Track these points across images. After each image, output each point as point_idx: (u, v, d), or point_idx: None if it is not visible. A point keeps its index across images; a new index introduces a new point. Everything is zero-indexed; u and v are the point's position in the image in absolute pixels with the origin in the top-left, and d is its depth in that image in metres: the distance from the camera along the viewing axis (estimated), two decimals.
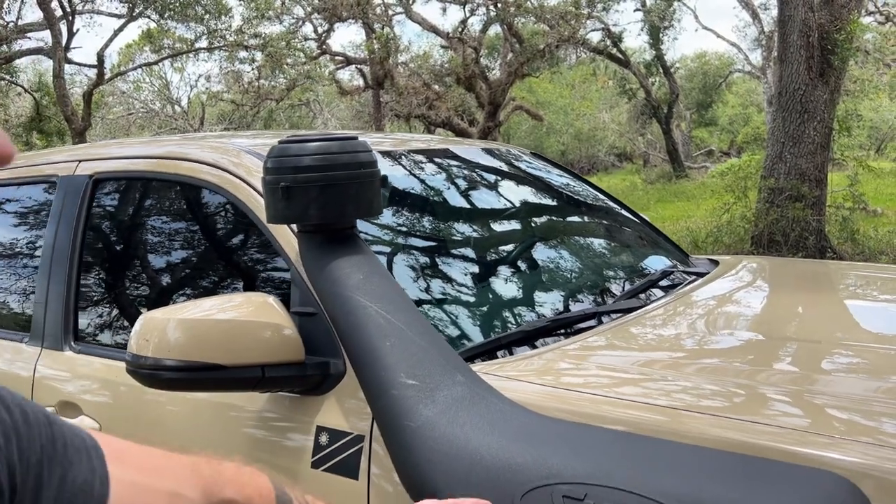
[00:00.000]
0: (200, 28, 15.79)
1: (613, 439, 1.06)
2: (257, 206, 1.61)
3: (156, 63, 18.96)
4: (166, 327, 1.33)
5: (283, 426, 1.44)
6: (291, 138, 1.40)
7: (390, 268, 1.65)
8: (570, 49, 20.13)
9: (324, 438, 1.36)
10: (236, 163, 1.75)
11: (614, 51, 19.49)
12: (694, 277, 2.06)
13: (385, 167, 1.99)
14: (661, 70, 20.54)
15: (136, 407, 1.66)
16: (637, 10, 19.27)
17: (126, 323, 1.85)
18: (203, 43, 16.16)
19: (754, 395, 1.25)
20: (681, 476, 0.96)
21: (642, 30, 19.35)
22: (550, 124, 28.96)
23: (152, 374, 1.32)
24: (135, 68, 19.53)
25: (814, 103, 7.46)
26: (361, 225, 1.69)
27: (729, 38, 56.96)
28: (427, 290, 1.68)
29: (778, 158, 7.65)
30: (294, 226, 1.47)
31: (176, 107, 25.26)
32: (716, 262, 2.31)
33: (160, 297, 1.80)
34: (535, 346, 1.52)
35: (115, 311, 1.89)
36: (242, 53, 16.85)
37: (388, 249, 1.73)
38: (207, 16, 15.31)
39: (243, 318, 1.36)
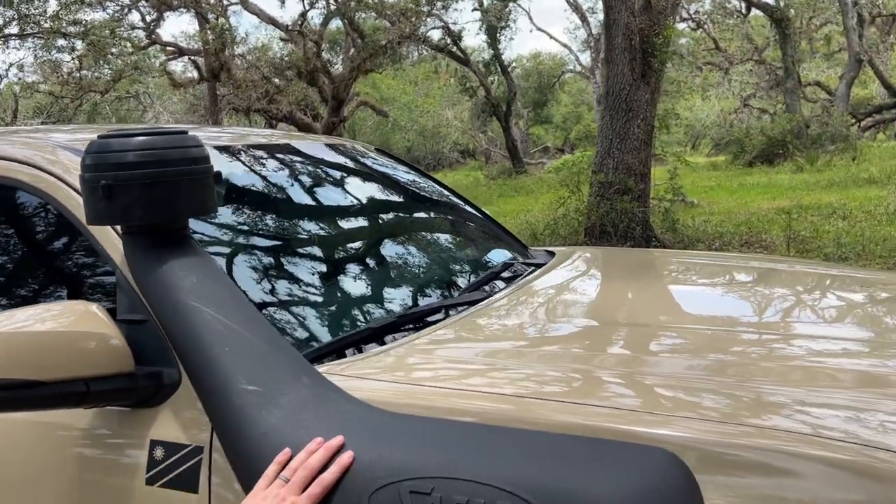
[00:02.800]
0: (10, 12, 14.38)
1: (458, 431, 1.07)
2: (76, 206, 1.49)
3: None
4: None
5: (114, 443, 1.34)
6: (113, 132, 1.30)
7: (231, 270, 1.57)
8: (411, 46, 20.30)
9: (159, 453, 1.28)
10: (52, 160, 1.60)
11: (454, 49, 19.90)
12: (533, 268, 2.14)
13: (223, 163, 1.90)
14: (499, 69, 21.22)
15: None
16: (475, 9, 19.79)
17: None
18: (14, 29, 14.73)
19: (591, 379, 1.31)
20: (522, 462, 0.99)
21: (480, 29, 19.89)
22: (395, 121, 29.16)
23: None
24: None
25: (637, 102, 8.00)
26: (199, 226, 1.61)
27: (561, 40, 59.84)
28: (271, 291, 1.62)
29: (606, 154, 8.14)
30: (119, 227, 1.37)
31: None
32: (553, 254, 2.41)
33: None
34: (382, 343, 1.51)
35: None
36: (60, 41, 15.54)
37: (227, 250, 1.66)
38: None
39: (63, 328, 1.24)
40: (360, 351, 1.48)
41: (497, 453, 1.01)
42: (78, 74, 17.70)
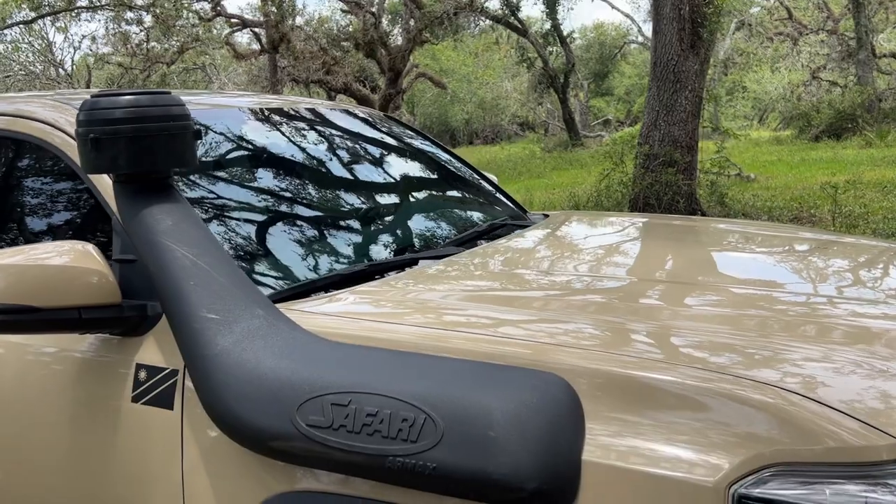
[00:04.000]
0: None
1: (379, 356, 1.21)
2: None
3: (33, 21, 17.86)
4: None
5: (105, 366, 1.53)
6: (104, 92, 1.47)
7: (239, 218, 1.76)
8: (469, 17, 20.24)
9: (142, 375, 1.47)
10: (71, 121, 1.79)
11: (512, 19, 19.75)
12: (520, 228, 2.25)
13: (232, 124, 2.08)
14: (557, 40, 20.97)
15: None
16: None
17: None
18: (83, 1, 15.34)
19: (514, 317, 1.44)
20: (427, 381, 1.13)
21: None
22: (454, 92, 29.13)
23: None
24: (10, 26, 18.34)
25: (685, 74, 7.88)
26: (215, 184, 1.80)
27: (623, 10, 58.42)
28: (262, 238, 1.79)
29: (653, 126, 8.07)
30: (110, 176, 1.55)
31: (60, 69, 23.89)
32: (546, 216, 2.51)
33: None
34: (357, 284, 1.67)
35: None
36: (129, 14, 16.11)
37: (224, 202, 1.83)
38: None
39: (61, 263, 1.43)
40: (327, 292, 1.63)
41: (407, 374, 1.15)
42: (146, 46, 18.31)
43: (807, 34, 24.02)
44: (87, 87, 21.18)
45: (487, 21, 21.74)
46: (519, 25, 20.12)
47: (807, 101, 21.79)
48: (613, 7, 49.01)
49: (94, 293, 1.43)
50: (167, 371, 1.44)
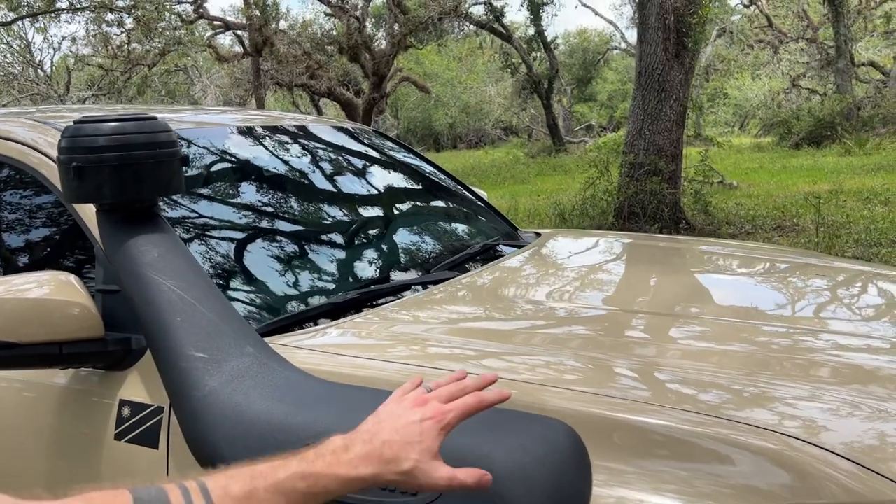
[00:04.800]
0: None
1: (379, 399, 1.16)
2: None
3: (12, 22, 17.60)
4: None
5: (88, 401, 1.47)
6: (88, 118, 1.41)
7: (222, 247, 1.70)
8: (454, 22, 20.22)
9: (126, 411, 1.41)
10: (52, 143, 1.73)
11: (496, 25, 19.77)
12: (512, 250, 2.21)
13: (216, 143, 2.03)
14: (541, 45, 21.02)
15: None
16: None
17: None
18: (64, 3, 15.14)
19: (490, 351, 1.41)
20: None
21: (523, 5, 19.70)
22: (438, 97, 29.14)
23: None
24: None
25: (670, 83, 7.91)
26: (200, 205, 1.74)
27: (606, 16, 58.70)
28: (246, 268, 1.74)
29: (638, 135, 8.08)
30: (93, 205, 1.49)
31: (39, 71, 23.55)
32: (539, 234, 2.48)
33: None
34: (342, 317, 1.61)
35: None
36: (110, 16, 15.93)
37: (206, 227, 1.78)
38: None
39: (40, 296, 1.37)
40: (316, 324, 1.58)
41: None
42: (127, 48, 18.10)
43: (787, 42, 24.25)
44: (67, 88, 20.92)
45: (472, 26, 21.75)
46: (503, 31, 20.15)
47: (787, 109, 22.00)
48: (597, 14, 49.27)
49: (76, 327, 1.38)
50: (152, 408, 1.39)
